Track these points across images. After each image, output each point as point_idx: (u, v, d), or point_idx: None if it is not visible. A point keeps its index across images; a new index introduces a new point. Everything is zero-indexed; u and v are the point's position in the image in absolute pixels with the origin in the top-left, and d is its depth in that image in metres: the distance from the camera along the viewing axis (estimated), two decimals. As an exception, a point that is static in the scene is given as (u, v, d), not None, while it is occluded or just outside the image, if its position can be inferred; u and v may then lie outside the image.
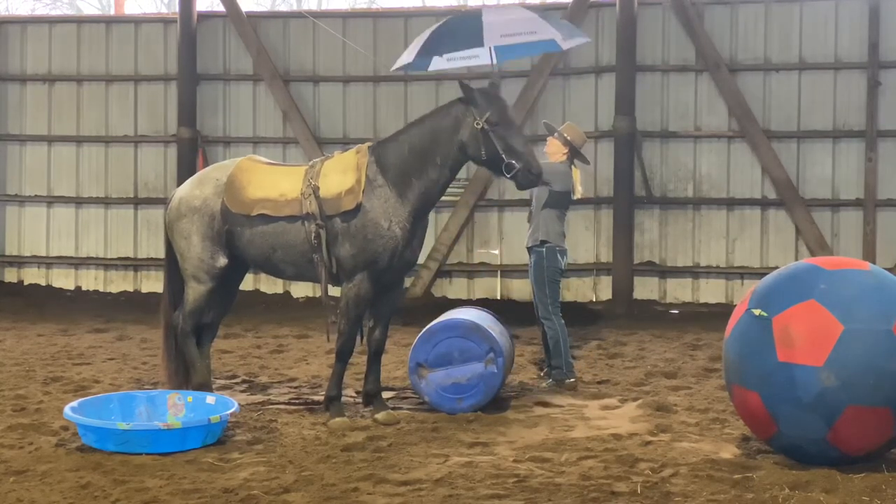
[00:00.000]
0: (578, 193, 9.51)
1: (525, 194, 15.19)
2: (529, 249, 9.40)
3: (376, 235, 7.50)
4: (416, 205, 7.59)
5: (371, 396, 7.90)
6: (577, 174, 9.45)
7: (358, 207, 7.51)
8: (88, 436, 6.70)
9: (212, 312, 8.31)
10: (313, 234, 7.56)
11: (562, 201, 9.33)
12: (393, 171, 7.59)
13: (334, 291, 7.80)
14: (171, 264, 8.26)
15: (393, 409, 7.95)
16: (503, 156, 7.46)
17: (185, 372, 8.16)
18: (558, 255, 9.24)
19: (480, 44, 9.30)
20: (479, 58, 9.84)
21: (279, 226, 7.70)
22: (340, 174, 7.63)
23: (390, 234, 7.52)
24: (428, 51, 9.37)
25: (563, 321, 9.27)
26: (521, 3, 16.19)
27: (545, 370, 9.40)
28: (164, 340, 8.30)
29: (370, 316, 7.90)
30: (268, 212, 7.72)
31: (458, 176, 8.24)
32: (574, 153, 9.40)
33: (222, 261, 7.94)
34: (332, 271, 7.62)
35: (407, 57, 9.49)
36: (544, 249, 9.22)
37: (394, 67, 9.83)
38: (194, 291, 8.01)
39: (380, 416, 7.63)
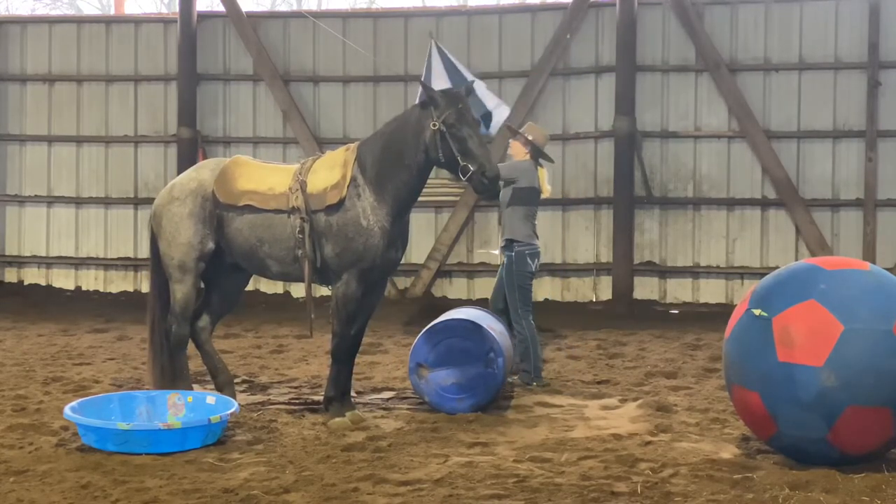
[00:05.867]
0: (546, 192, 9.52)
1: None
2: (502, 251, 9.43)
3: (356, 234, 7.48)
4: (391, 204, 7.54)
5: (339, 395, 7.83)
6: (543, 173, 9.48)
7: (341, 203, 7.50)
8: (88, 436, 6.70)
9: (207, 317, 8.28)
10: (298, 229, 7.55)
11: (527, 198, 9.29)
12: (370, 171, 7.57)
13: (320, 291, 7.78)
14: (157, 261, 8.22)
15: (385, 410, 7.94)
16: (458, 158, 7.32)
17: (173, 374, 8.11)
18: (527, 259, 9.21)
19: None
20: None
21: (266, 218, 7.70)
22: (328, 170, 7.64)
23: (369, 232, 7.48)
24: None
25: (532, 325, 9.27)
26: (522, 3, 16.23)
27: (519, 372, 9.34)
28: (150, 341, 8.24)
29: None
30: (255, 203, 7.72)
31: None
32: (536, 152, 9.42)
33: (210, 245, 7.90)
34: (317, 265, 7.61)
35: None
36: (513, 253, 9.22)
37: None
38: (181, 286, 7.95)
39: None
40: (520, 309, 9.23)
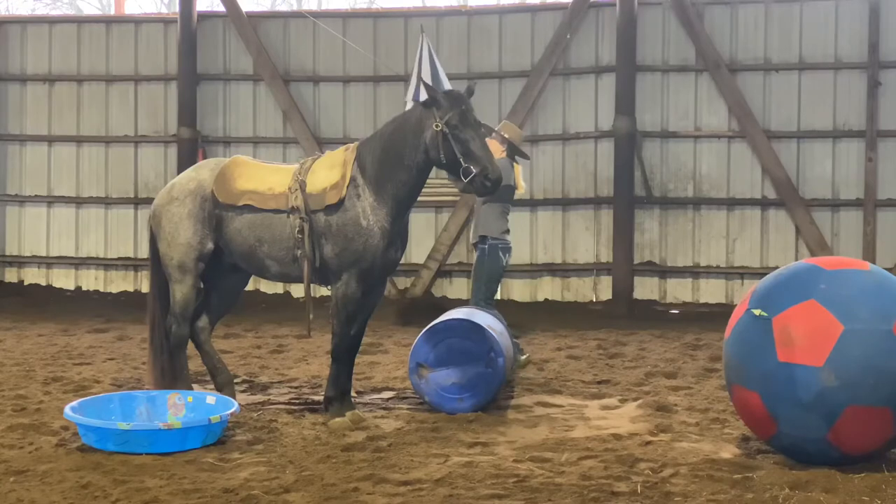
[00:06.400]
0: (521, 189, 9.76)
1: (525, 194, 15.30)
2: (475, 246, 9.58)
3: (356, 234, 7.47)
4: (391, 205, 7.53)
5: (339, 395, 7.82)
6: (518, 170, 9.70)
7: (340, 203, 7.49)
8: (89, 436, 6.70)
9: (207, 316, 8.28)
10: (297, 229, 7.55)
11: (503, 196, 9.49)
12: (370, 171, 7.56)
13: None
14: (156, 262, 8.23)
15: (384, 409, 7.94)
16: (461, 160, 7.31)
17: (173, 374, 8.11)
18: (500, 253, 9.52)
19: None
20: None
21: (265, 218, 7.69)
22: (328, 170, 7.63)
23: (369, 232, 7.47)
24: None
25: (494, 311, 9.44)
26: (522, 3, 16.23)
27: None
28: (150, 342, 8.24)
29: None
30: (254, 203, 7.71)
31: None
32: (513, 150, 9.59)
33: (210, 246, 7.90)
34: (316, 265, 7.61)
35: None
36: (486, 247, 9.50)
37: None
38: (181, 286, 7.94)
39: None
40: (482, 301, 9.48)
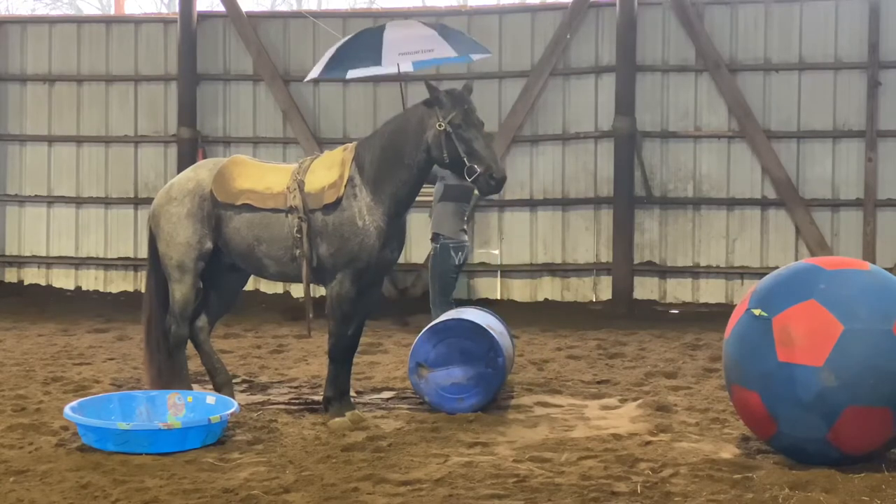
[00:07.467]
0: None
1: (525, 194, 15.30)
2: (431, 243, 9.80)
3: (352, 234, 7.48)
4: (388, 204, 7.54)
5: (338, 395, 7.82)
6: None
7: (338, 202, 7.50)
8: (88, 436, 6.70)
9: (206, 317, 8.28)
10: (296, 228, 7.56)
11: (457, 195, 9.54)
12: (368, 170, 7.56)
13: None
14: (155, 261, 8.23)
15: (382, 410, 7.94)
16: (465, 159, 7.33)
17: (171, 374, 8.11)
18: (451, 252, 9.59)
19: (379, 63, 10.31)
20: (381, 68, 10.55)
21: (264, 217, 7.70)
22: (326, 170, 7.64)
23: (365, 232, 7.48)
24: (332, 67, 10.52)
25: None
26: (522, 3, 16.23)
27: None
28: (146, 342, 8.25)
29: None
30: (252, 202, 7.72)
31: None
32: None
33: (208, 245, 7.90)
34: (313, 265, 7.61)
35: (315, 71, 10.81)
36: (438, 245, 9.61)
37: (306, 79, 11.56)
38: (180, 286, 7.95)
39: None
40: (437, 298, 9.60)
